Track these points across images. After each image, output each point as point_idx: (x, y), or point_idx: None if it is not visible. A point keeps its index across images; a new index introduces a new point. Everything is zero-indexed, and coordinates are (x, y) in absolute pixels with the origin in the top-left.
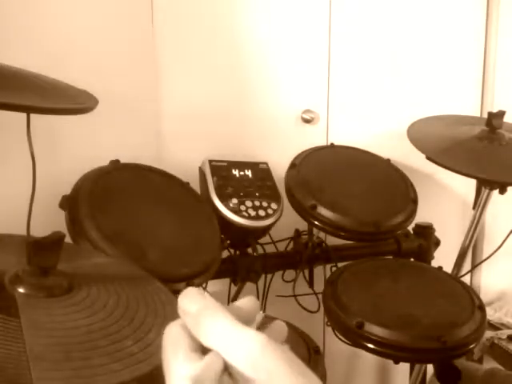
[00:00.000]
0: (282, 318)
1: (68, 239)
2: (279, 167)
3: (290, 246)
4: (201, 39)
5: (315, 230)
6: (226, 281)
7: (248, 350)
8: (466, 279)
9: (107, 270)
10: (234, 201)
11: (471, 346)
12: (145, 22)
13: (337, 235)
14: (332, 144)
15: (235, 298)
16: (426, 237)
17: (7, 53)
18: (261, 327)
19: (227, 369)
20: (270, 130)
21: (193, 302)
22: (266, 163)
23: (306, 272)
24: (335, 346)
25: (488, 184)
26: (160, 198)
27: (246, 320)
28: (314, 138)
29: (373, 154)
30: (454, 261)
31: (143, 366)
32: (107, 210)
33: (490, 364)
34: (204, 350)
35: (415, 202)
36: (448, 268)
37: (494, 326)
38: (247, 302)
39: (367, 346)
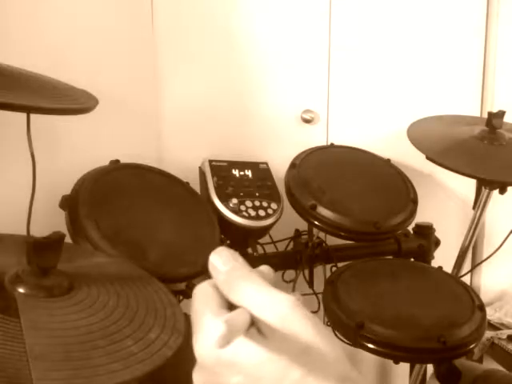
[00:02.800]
0: None
1: (68, 239)
2: (279, 167)
3: (290, 246)
4: (200, 39)
5: (315, 230)
6: None
7: (279, 308)
8: (466, 279)
9: (107, 269)
10: (234, 201)
11: (471, 346)
12: (145, 22)
13: (337, 235)
14: (332, 144)
15: None
16: (426, 237)
17: (7, 53)
18: None
19: (255, 324)
20: (270, 130)
21: (225, 261)
22: (266, 163)
23: (306, 272)
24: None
25: (488, 184)
26: (160, 198)
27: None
28: (314, 137)
29: (373, 154)
30: (454, 261)
31: (143, 365)
32: (107, 210)
33: (489, 364)
34: (231, 309)
35: (415, 202)
36: (448, 268)
37: (494, 326)
38: (264, 268)
39: (367, 346)
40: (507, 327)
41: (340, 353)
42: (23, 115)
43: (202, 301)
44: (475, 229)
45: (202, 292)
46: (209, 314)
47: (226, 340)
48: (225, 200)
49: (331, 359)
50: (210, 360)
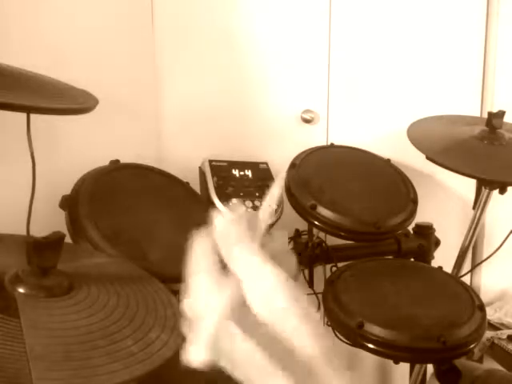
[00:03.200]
0: None
1: (68, 239)
2: (279, 167)
3: (289, 246)
4: (200, 39)
5: (315, 230)
6: None
7: (264, 289)
8: (466, 279)
9: (107, 269)
10: (234, 201)
11: (471, 346)
12: (145, 22)
13: (337, 235)
14: (332, 144)
15: None
16: (426, 237)
17: (7, 53)
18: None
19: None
20: (270, 130)
21: (224, 221)
22: (266, 163)
23: (306, 272)
24: (335, 346)
25: (488, 184)
26: (160, 198)
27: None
28: (314, 137)
29: (373, 154)
30: (454, 261)
31: (143, 365)
32: (107, 210)
33: (489, 364)
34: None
35: (415, 202)
36: (448, 268)
37: (494, 326)
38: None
39: (367, 346)
40: (507, 327)
41: (328, 347)
42: (23, 115)
43: (200, 254)
44: (475, 229)
45: (202, 245)
46: (205, 274)
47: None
48: (225, 200)
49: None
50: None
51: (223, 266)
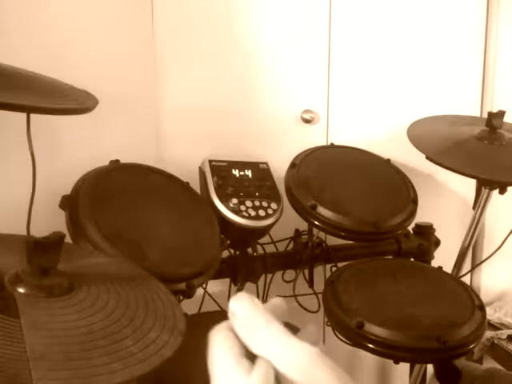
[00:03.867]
0: None
1: (68, 239)
2: (279, 167)
3: (290, 246)
4: (201, 39)
5: (315, 230)
6: (226, 281)
7: (300, 361)
8: (466, 279)
9: (107, 269)
10: (234, 201)
11: (471, 346)
12: (145, 22)
13: (337, 235)
14: (332, 144)
15: None
16: (426, 237)
17: (7, 53)
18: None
19: (277, 377)
20: (270, 130)
21: (245, 307)
22: (266, 163)
23: (306, 272)
24: (335, 346)
25: (488, 184)
26: (160, 198)
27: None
28: (314, 137)
29: (373, 153)
30: (454, 261)
31: (143, 366)
32: (107, 210)
33: (489, 364)
34: (250, 356)
35: (415, 202)
36: (448, 268)
37: (494, 326)
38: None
39: (367, 346)
40: (507, 327)
41: None
42: (23, 115)
43: (222, 349)
44: (475, 229)
45: (222, 338)
46: (231, 367)
47: None
48: (225, 200)
49: None
50: None
51: (248, 356)
